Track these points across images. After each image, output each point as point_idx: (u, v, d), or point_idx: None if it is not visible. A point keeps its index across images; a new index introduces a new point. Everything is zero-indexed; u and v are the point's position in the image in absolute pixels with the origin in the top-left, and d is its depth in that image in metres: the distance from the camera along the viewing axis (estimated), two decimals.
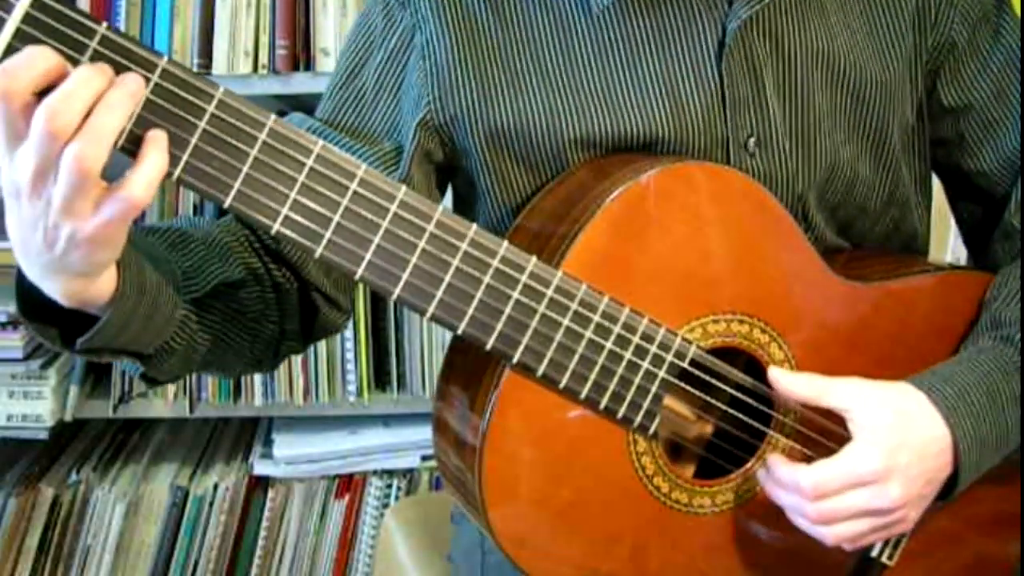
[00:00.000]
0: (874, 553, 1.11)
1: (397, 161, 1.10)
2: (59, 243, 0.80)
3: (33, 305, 0.89)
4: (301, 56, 1.96)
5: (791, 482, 1.01)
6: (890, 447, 1.00)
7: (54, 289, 0.85)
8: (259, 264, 1.07)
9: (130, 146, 0.81)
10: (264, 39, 1.95)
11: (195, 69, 1.91)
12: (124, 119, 0.79)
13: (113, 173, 0.81)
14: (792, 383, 1.04)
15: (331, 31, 1.94)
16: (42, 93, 0.77)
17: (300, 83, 1.95)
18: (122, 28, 1.93)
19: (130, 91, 0.79)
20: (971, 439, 1.03)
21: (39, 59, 0.76)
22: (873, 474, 0.99)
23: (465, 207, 1.17)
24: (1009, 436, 1.06)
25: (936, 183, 1.28)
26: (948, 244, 1.94)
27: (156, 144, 0.81)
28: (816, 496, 0.99)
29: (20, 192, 0.79)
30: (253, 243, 1.08)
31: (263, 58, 1.95)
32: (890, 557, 1.12)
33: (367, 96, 1.11)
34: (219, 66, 1.94)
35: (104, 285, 0.86)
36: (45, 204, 0.79)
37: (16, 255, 0.84)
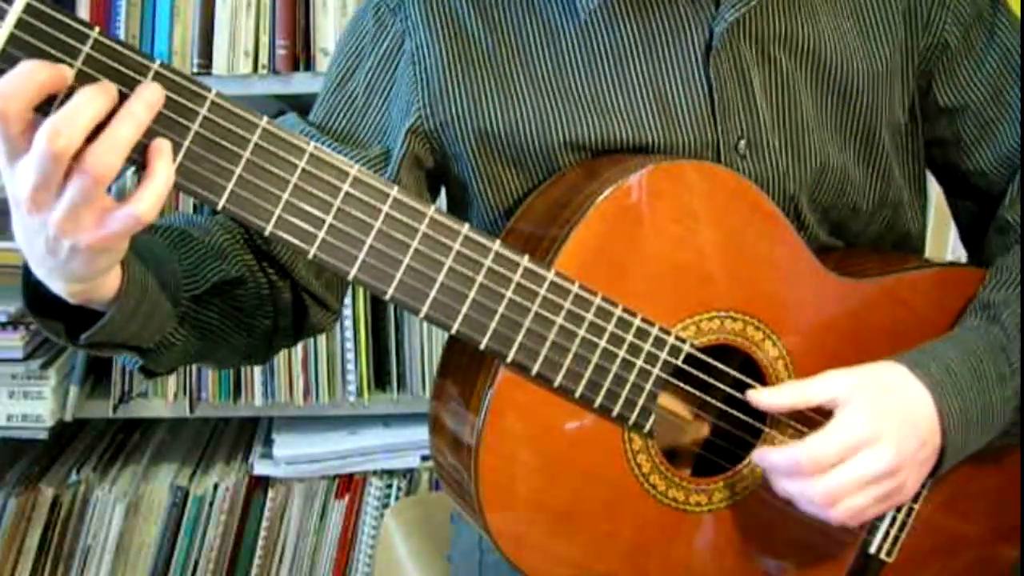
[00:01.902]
0: (872, 549, 1.11)
1: (385, 164, 1.10)
2: (61, 252, 0.81)
3: (39, 300, 0.90)
4: (301, 56, 1.96)
5: (789, 463, 1.00)
6: (875, 411, 1.00)
7: (59, 288, 0.86)
8: (255, 262, 1.09)
9: (131, 153, 0.81)
10: (264, 39, 1.95)
11: (195, 69, 1.93)
12: (142, 130, 0.79)
13: None
14: (773, 398, 1.04)
15: (331, 31, 1.94)
16: (41, 103, 0.77)
17: (300, 83, 1.96)
18: (122, 29, 1.94)
19: (148, 102, 0.80)
20: (957, 413, 1.03)
21: (34, 76, 0.76)
22: (862, 439, 0.99)
23: (458, 211, 1.17)
24: (994, 416, 1.06)
25: (936, 184, 1.28)
26: (948, 244, 1.94)
27: (163, 157, 0.81)
28: (815, 470, 0.99)
29: (19, 204, 0.80)
30: (248, 241, 1.09)
31: (263, 58, 1.95)
32: (888, 553, 1.12)
33: (357, 101, 1.12)
34: (219, 66, 1.95)
35: (108, 284, 0.87)
36: (45, 215, 0.79)
37: (24, 254, 0.86)
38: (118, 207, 0.80)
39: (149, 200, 0.80)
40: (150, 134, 0.81)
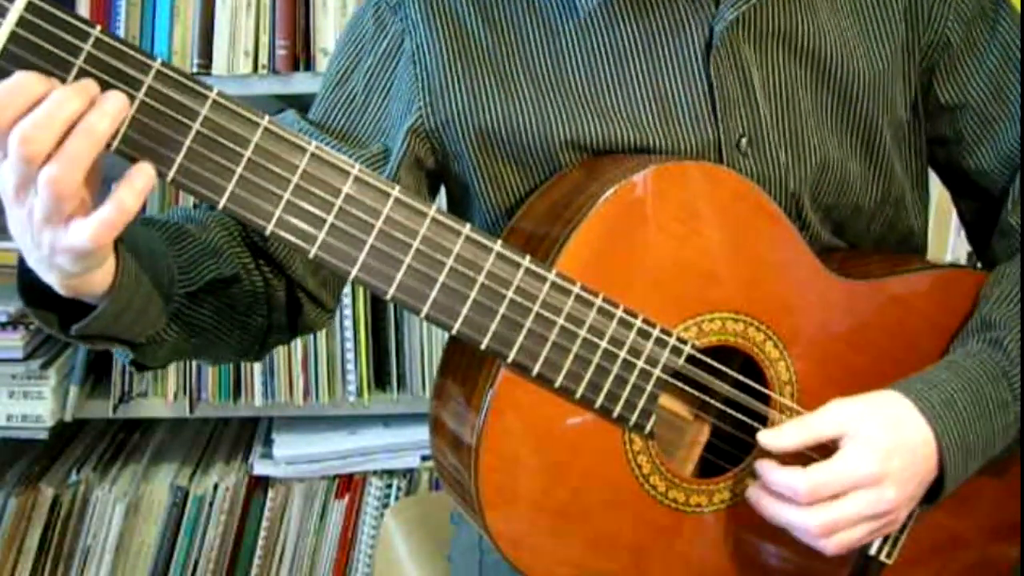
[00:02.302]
0: (872, 551, 1.11)
1: (384, 162, 1.11)
2: (44, 247, 0.82)
3: (34, 289, 0.91)
4: (301, 56, 1.96)
5: (787, 488, 1.00)
6: (884, 451, 1.00)
7: (51, 280, 0.87)
8: (250, 260, 1.09)
9: (126, 149, 0.81)
10: (264, 39, 1.95)
11: (195, 70, 1.93)
12: (102, 141, 0.79)
13: (113, 173, 0.82)
14: (780, 440, 1.02)
15: (331, 31, 1.94)
16: None
17: (300, 83, 1.96)
18: (122, 29, 1.95)
19: (109, 112, 0.79)
20: (957, 447, 1.03)
21: (23, 89, 0.77)
22: (869, 477, 0.99)
23: (459, 210, 1.17)
24: (995, 441, 1.07)
25: (939, 185, 1.27)
26: (948, 243, 1.94)
27: (130, 186, 0.81)
28: (812, 500, 0.99)
29: (7, 196, 0.81)
30: (245, 238, 1.09)
31: (263, 58, 1.96)
32: (888, 556, 1.12)
33: (356, 100, 1.12)
34: (219, 66, 1.95)
35: (100, 278, 0.88)
36: (28, 212, 0.81)
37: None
38: (76, 224, 0.80)
39: (98, 227, 0.80)
40: (153, 134, 0.81)
